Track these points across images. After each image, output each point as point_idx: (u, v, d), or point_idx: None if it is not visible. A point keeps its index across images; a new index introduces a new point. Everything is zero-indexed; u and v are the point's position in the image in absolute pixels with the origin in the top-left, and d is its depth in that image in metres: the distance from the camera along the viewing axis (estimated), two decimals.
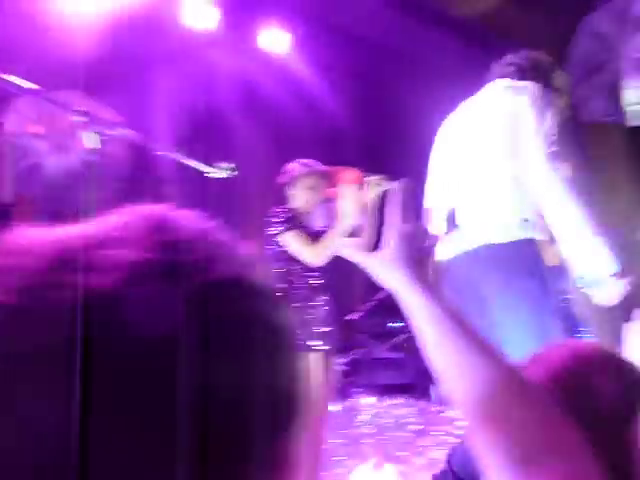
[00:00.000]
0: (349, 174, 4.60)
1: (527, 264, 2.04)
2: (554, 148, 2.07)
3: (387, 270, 0.75)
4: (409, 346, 4.28)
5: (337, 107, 5.25)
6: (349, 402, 3.57)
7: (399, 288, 0.74)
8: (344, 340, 3.56)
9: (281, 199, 2.86)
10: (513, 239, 2.06)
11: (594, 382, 0.77)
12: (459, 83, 2.39)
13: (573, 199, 2.02)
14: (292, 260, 2.73)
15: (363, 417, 3.49)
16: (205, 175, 2.36)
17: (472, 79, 2.43)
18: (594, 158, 4.74)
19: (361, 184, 4.17)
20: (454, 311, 0.73)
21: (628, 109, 3.98)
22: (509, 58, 2.36)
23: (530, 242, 2.07)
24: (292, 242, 2.69)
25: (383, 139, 5.67)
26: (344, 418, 3.42)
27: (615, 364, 0.83)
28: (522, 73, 2.29)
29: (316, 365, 2.61)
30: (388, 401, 3.53)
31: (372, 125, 5.55)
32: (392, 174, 5.42)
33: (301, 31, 4.81)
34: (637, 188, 4.49)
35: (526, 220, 2.06)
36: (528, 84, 2.21)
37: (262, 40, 4.70)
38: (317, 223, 2.93)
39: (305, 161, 2.89)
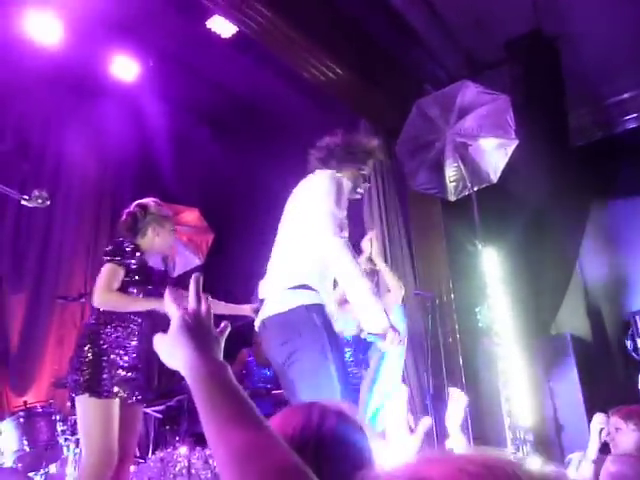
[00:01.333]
0: (189, 214, 4.51)
1: (307, 329, 2.07)
2: (343, 222, 2.17)
3: (172, 340, 0.85)
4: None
5: (176, 143, 5.20)
6: (165, 452, 3.38)
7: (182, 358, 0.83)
8: (163, 386, 3.40)
9: (119, 232, 2.71)
10: (293, 306, 2.11)
11: None
12: (307, 144, 2.50)
13: (354, 266, 2.10)
14: None
15: (179, 467, 3.31)
16: (21, 203, 2.20)
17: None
18: (416, 226, 5.23)
19: (201, 225, 4.11)
20: (224, 387, 0.79)
21: (448, 185, 4.49)
22: (315, 148, 2.53)
23: (311, 308, 2.11)
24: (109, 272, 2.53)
25: (223, 183, 5.71)
26: (159, 468, 3.22)
27: None
28: (322, 161, 2.46)
29: (128, 413, 2.47)
30: (207, 450, 3.40)
31: (213, 167, 5.57)
32: (226, 215, 5.39)
33: (152, 63, 4.72)
34: (450, 257, 5.02)
35: (305, 287, 2.13)
36: (324, 171, 2.37)
37: (113, 66, 4.53)
38: (158, 263, 2.83)
39: (158, 201, 2.79)
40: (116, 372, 2.49)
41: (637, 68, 4.93)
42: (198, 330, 0.86)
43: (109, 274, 2.51)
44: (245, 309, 2.87)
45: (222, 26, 4.04)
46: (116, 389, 2.47)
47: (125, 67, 4.60)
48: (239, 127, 5.39)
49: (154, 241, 2.69)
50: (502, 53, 4.64)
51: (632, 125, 5.47)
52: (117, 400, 2.46)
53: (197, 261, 4.35)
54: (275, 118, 5.17)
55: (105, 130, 5.02)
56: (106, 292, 2.49)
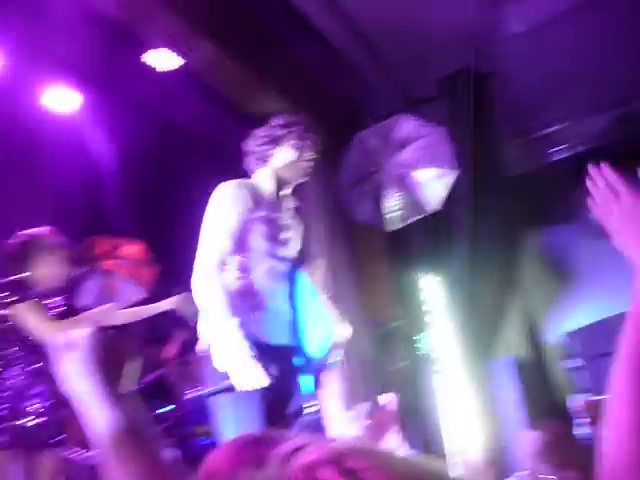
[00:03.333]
0: (130, 247, 4.44)
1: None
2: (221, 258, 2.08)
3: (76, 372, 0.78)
4: (172, 433, 4.11)
5: (118, 176, 5.12)
6: None
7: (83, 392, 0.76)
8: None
9: (18, 268, 2.58)
10: None
11: None
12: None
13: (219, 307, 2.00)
14: (10, 340, 2.45)
15: None
16: None
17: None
18: (359, 256, 5.31)
19: (144, 258, 4.05)
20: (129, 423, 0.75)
21: (388, 215, 4.59)
22: None
23: None
24: (24, 313, 2.39)
25: (160, 214, 5.64)
26: None
27: None
28: None
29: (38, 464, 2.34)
30: None
31: (153, 200, 5.50)
32: (164, 250, 5.34)
33: (91, 94, 4.67)
34: (393, 285, 5.11)
35: None
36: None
37: (47, 98, 4.45)
38: (81, 298, 2.74)
39: (55, 235, 2.67)
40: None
41: (564, 103, 5.21)
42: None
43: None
44: (165, 305, 2.76)
45: (163, 58, 4.06)
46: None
47: (62, 98, 4.53)
48: (185, 160, 5.37)
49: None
50: (437, 88, 4.84)
51: (560, 156, 5.76)
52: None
53: (140, 294, 4.26)
54: (221, 151, 5.18)
55: (43, 165, 4.90)
56: None
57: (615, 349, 0.83)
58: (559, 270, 5.60)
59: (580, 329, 4.92)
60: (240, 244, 2.13)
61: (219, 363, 2.00)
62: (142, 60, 4.06)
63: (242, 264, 2.15)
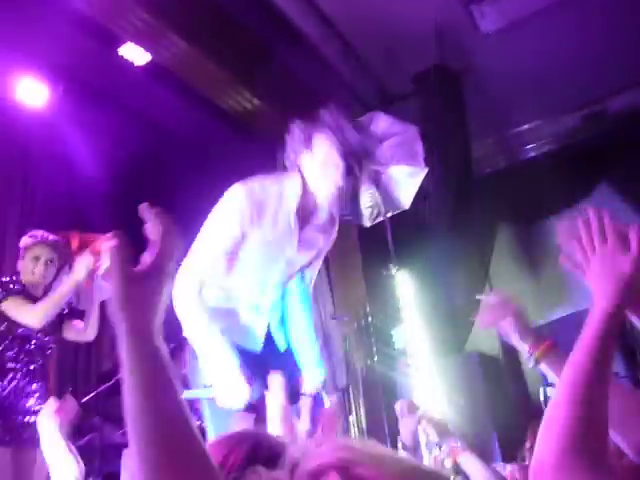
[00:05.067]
0: (102, 242, 4.38)
1: None
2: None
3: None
4: None
5: (92, 169, 5.05)
6: None
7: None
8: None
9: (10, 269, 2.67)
10: None
11: None
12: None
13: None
14: (11, 339, 2.50)
15: None
16: None
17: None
18: (333, 252, 5.31)
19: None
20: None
21: (363, 211, 4.60)
22: None
23: None
24: (11, 308, 2.48)
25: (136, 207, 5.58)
26: None
27: None
28: None
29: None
30: None
31: (129, 192, 5.45)
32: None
33: (61, 87, 4.60)
34: (366, 281, 5.14)
35: None
36: None
37: (19, 91, 4.37)
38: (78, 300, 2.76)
39: (35, 232, 2.70)
40: None
41: (536, 101, 5.30)
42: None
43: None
44: None
45: (135, 53, 4.01)
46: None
47: (33, 91, 4.44)
48: (158, 155, 5.32)
49: None
50: (411, 85, 4.87)
51: (531, 154, 5.86)
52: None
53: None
54: (193, 146, 5.15)
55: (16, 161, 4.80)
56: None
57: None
58: (530, 266, 5.71)
59: (549, 323, 5.02)
60: (230, 259, 1.97)
61: (205, 372, 1.93)
62: (117, 54, 4.01)
63: (227, 282, 2.01)
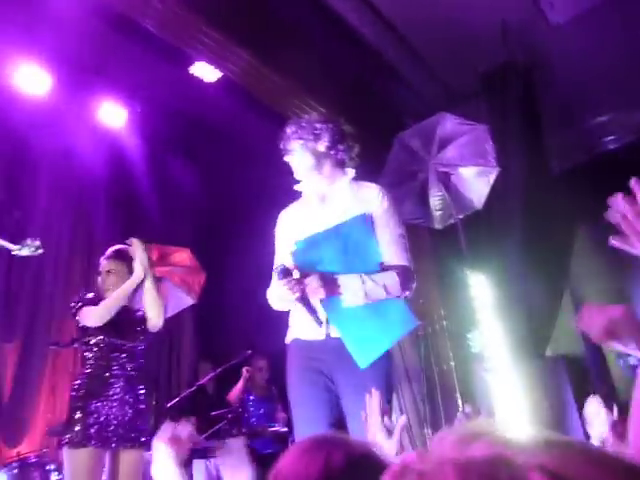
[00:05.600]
0: (180, 254, 4.56)
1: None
2: None
3: None
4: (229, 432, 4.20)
5: (162, 184, 5.30)
6: None
7: None
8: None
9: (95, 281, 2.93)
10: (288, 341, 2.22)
11: None
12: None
13: None
14: (107, 345, 2.68)
15: None
16: (12, 254, 2.29)
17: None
18: None
19: (193, 264, 4.17)
20: None
21: (434, 214, 4.56)
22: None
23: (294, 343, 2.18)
24: (82, 315, 2.70)
25: (209, 218, 5.79)
26: None
27: None
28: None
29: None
30: None
31: (206, 204, 5.68)
32: (221, 252, 5.46)
33: (139, 108, 4.84)
34: (440, 285, 5.07)
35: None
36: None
37: (100, 114, 4.66)
38: (135, 304, 2.92)
39: (116, 247, 2.92)
40: (96, 421, 2.51)
41: (613, 92, 5.07)
42: None
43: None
44: None
45: (205, 71, 4.17)
46: (93, 438, 2.48)
47: (112, 113, 4.71)
48: (222, 164, 5.49)
49: None
50: (478, 84, 4.78)
51: (612, 146, 5.59)
52: (95, 449, 2.46)
53: (190, 301, 4.37)
54: (258, 155, 5.28)
55: (92, 176, 5.09)
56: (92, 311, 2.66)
57: None
58: (613, 265, 5.44)
59: None
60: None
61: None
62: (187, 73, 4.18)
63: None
